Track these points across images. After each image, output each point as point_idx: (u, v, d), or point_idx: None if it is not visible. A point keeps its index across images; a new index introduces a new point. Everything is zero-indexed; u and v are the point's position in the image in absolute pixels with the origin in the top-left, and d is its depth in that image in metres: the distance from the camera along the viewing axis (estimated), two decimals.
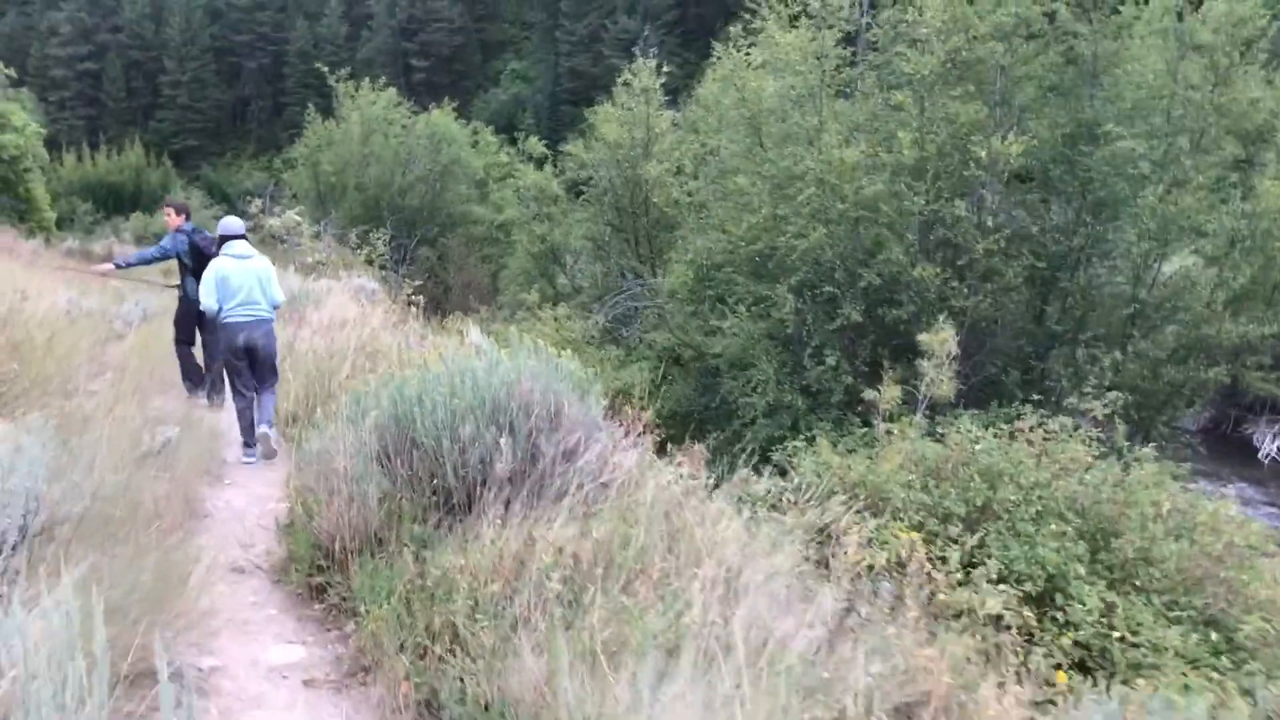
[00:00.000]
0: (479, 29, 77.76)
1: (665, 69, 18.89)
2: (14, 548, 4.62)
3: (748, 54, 14.00)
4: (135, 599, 4.43)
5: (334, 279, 18.48)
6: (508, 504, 4.87)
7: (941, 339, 8.25)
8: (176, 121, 75.61)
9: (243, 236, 7.81)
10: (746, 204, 12.95)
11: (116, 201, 52.32)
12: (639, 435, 6.07)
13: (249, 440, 7.57)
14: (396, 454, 5.10)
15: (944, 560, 6.54)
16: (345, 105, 30.00)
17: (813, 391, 11.53)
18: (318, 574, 4.91)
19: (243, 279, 7.48)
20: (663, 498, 4.88)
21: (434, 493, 4.95)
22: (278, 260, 19.72)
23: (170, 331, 10.24)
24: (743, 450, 11.70)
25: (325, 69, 31.61)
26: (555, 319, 16.41)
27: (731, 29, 15.79)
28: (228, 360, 7.64)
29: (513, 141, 34.08)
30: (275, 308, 7.79)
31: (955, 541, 7.06)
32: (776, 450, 10.03)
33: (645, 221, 18.80)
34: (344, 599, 4.73)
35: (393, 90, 31.58)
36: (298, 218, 22.97)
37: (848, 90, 13.25)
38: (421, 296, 19.47)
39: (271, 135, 73.24)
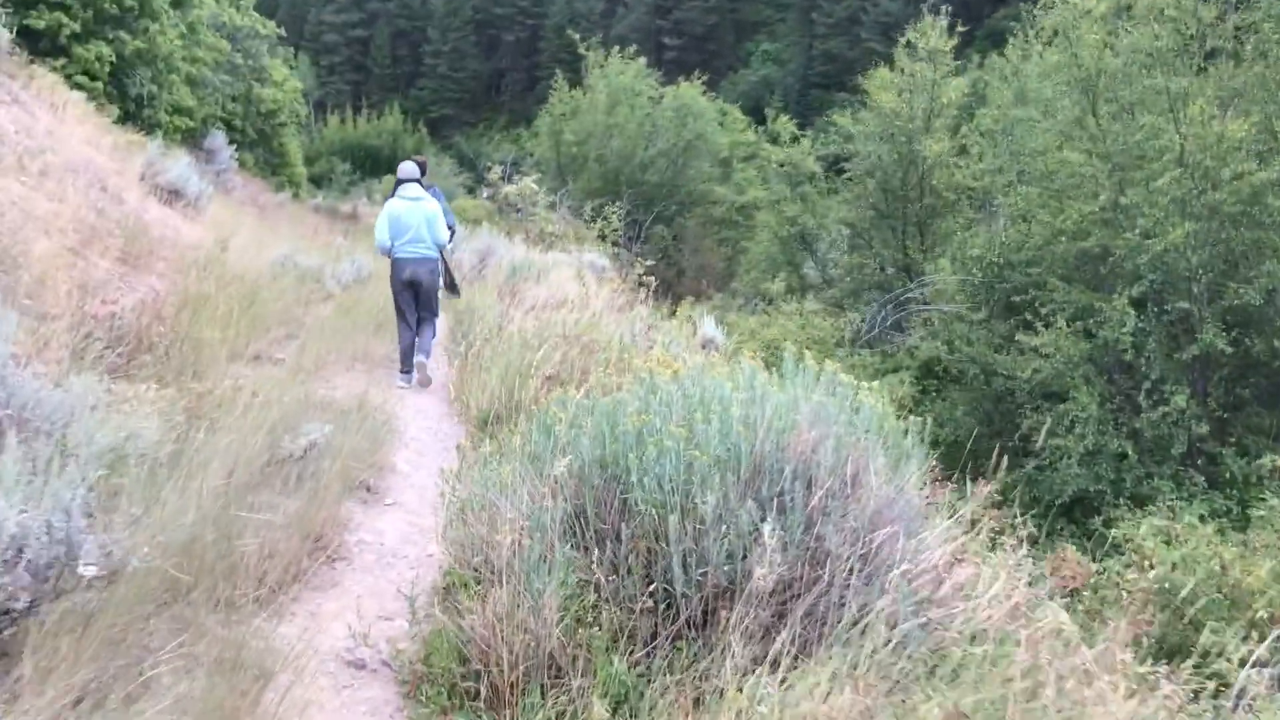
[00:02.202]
0: (733, 9, 76.15)
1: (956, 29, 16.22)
2: (23, 614, 3.09)
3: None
4: None
5: (563, 252, 17.19)
6: (767, 633, 2.94)
7: None
8: (435, 90, 77.82)
9: (417, 181, 8.35)
10: (1065, 188, 10.34)
11: (374, 164, 53.87)
12: (968, 513, 4.00)
13: (406, 368, 8.01)
14: (597, 525, 3.24)
15: None
16: (593, 74, 28.85)
17: (1144, 438, 8.92)
18: (459, 706, 3.11)
19: (411, 218, 7.98)
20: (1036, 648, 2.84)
21: (650, 595, 3.07)
22: (511, 229, 18.65)
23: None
24: (1036, 501, 9.32)
25: (577, 36, 30.72)
26: (801, 314, 14.24)
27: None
28: (395, 290, 8.10)
29: (759, 123, 32.10)
30: (440, 247, 8.26)
31: None
32: (1095, 509, 7.60)
33: (918, 207, 16.31)
34: None
35: (642, 60, 30.16)
36: (534, 185, 21.78)
37: (1220, 48, 10.31)
38: (653, 278, 18.13)
39: (523, 108, 73.98)
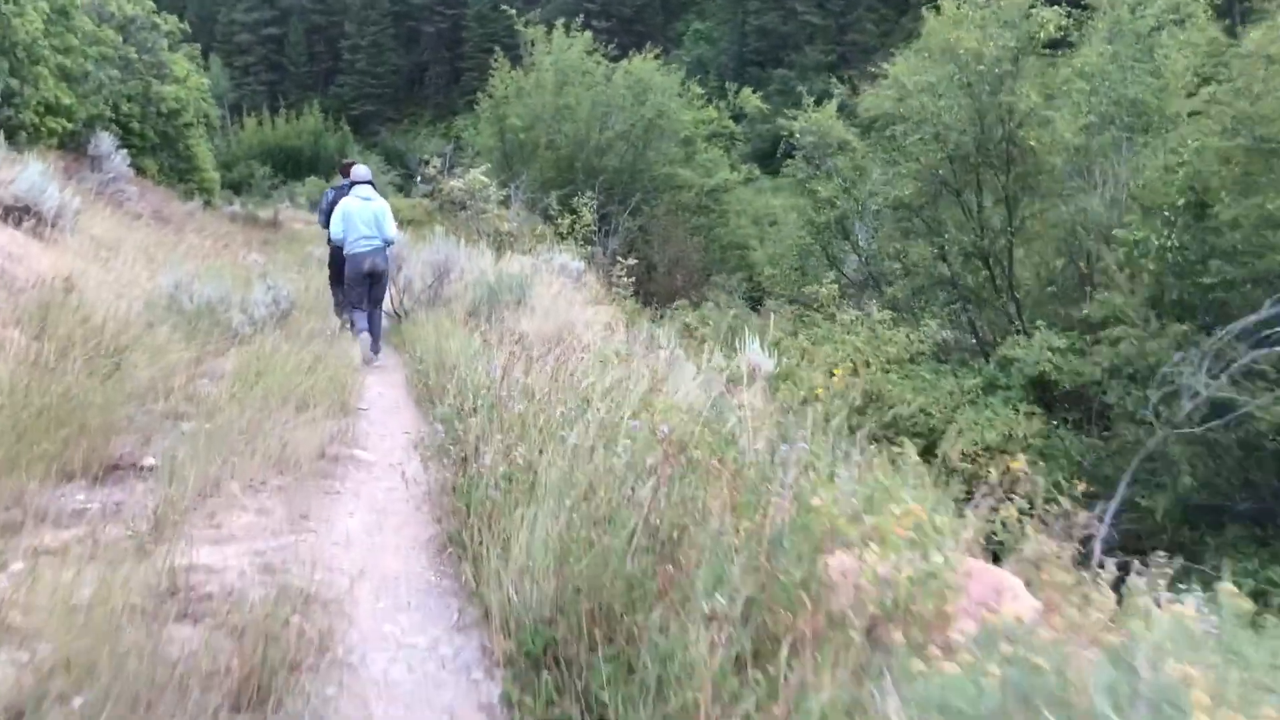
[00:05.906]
0: None
1: None
2: None
3: None
4: None
5: (526, 255, 14.08)
6: None
7: None
8: (355, 87, 74.63)
9: (369, 183, 9.32)
10: None
11: (295, 166, 50.37)
12: None
13: (374, 347, 8.80)
14: None
15: None
16: (537, 52, 25.55)
17: None
18: None
19: (364, 216, 8.91)
20: None
21: None
22: (459, 230, 15.37)
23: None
24: None
25: (513, 11, 27.52)
26: (865, 324, 11.02)
27: None
28: (352, 281, 8.92)
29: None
30: (389, 242, 9.11)
31: None
32: None
33: (1006, 177, 12.71)
34: None
35: (589, 34, 26.87)
36: (484, 179, 18.32)
37: None
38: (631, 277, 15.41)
39: (448, 102, 71.41)
